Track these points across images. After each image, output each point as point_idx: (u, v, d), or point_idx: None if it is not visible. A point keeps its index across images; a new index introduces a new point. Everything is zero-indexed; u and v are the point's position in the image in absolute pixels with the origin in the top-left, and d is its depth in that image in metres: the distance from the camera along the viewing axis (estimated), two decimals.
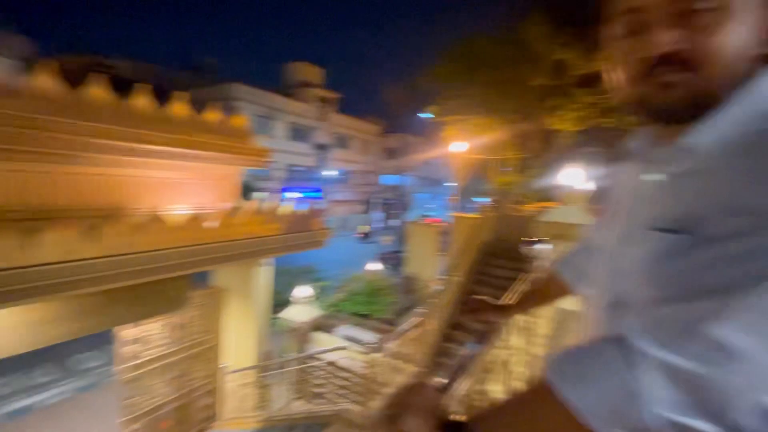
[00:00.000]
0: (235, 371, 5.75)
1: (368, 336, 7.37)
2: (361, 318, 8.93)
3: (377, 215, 27.74)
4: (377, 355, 5.14)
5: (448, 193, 21.01)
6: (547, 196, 12.26)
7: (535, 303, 1.13)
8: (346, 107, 29.33)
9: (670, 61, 0.52)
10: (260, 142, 5.73)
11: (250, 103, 21.87)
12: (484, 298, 1.16)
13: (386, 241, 19.90)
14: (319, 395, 5.98)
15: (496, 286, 6.24)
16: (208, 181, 4.80)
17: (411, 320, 6.65)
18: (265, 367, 5.84)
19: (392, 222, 23.58)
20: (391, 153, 32.74)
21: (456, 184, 18.32)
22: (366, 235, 22.59)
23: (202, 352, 5.59)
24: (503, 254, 7.25)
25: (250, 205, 4.95)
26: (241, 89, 21.50)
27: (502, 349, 2.02)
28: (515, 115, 12.63)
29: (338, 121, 28.33)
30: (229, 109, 18.35)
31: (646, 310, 0.50)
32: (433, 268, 10.68)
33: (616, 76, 0.59)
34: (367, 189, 30.79)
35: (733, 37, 0.50)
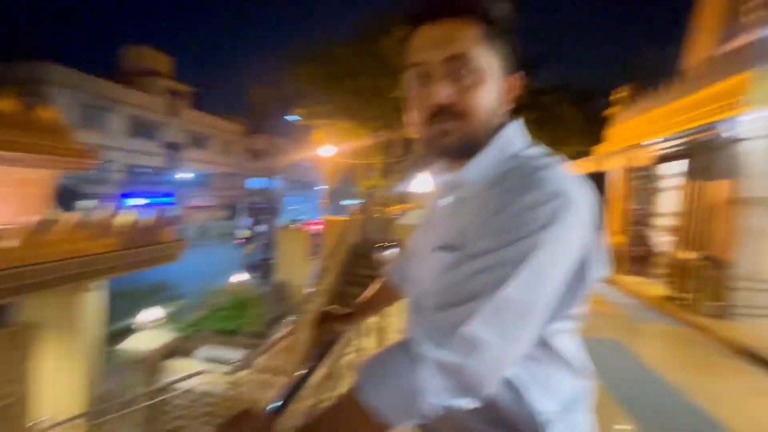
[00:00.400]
0: (55, 425, 4.57)
1: (235, 354, 6.81)
2: (227, 335, 8.20)
3: (244, 221, 25.87)
4: (244, 373, 4.79)
5: (318, 197, 21.00)
6: (406, 199, 13.42)
7: (376, 308, 1.22)
8: (205, 103, 26.59)
9: (446, 111, 0.65)
10: (85, 138, 4.72)
11: (71, 90, 17.75)
12: (329, 308, 1.19)
13: (251, 248, 18.55)
14: (178, 429, 5.25)
15: (364, 286, 6.51)
16: (1, 188, 3.70)
17: (282, 330, 6.42)
18: (100, 412, 4.82)
19: (261, 227, 22.31)
20: (257, 155, 30.99)
21: (326, 187, 18.48)
22: (247, 240, 20.74)
23: (1, 410, 4.28)
24: (369, 255, 7.66)
25: (71, 217, 4.03)
26: (55, 71, 17.24)
27: (354, 352, 2.13)
28: (378, 122, 13.43)
29: (193, 118, 25.38)
30: (40, 96, 14.51)
31: (428, 315, 0.59)
32: (305, 273, 10.54)
33: (410, 118, 0.70)
34: (231, 193, 28.42)
35: (488, 96, 0.65)
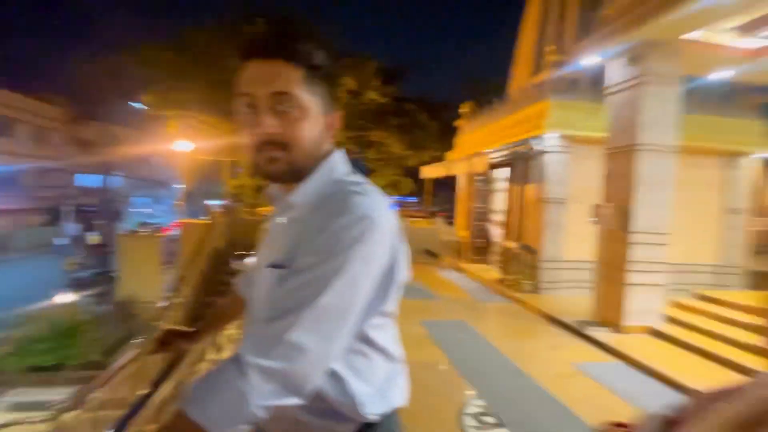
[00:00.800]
0: None
1: (60, 394, 5.53)
2: (47, 372, 6.59)
3: (71, 227, 20.93)
4: (72, 415, 3.95)
5: (174, 197, 18.53)
6: None
7: (228, 320, 1.21)
8: (10, 79, 20.54)
9: (272, 141, 0.72)
10: None
11: None
12: (174, 327, 1.14)
13: (72, 263, 14.94)
14: None
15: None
16: None
17: (127, 354, 5.50)
18: None
19: (94, 234, 18.41)
20: (88, 146, 25.50)
21: (183, 186, 16.42)
22: (97, 248, 16.50)
23: None
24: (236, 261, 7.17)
25: None
26: None
27: (211, 365, 2.02)
28: None
29: None
30: None
31: (257, 327, 0.66)
32: (157, 286, 9.20)
33: (242, 141, 0.75)
34: (51, 193, 22.72)
35: (310, 130, 0.74)
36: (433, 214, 15.31)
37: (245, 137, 0.73)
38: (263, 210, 11.14)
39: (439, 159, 13.18)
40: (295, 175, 0.75)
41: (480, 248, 9.24)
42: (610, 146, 5.04)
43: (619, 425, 0.57)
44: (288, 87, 0.70)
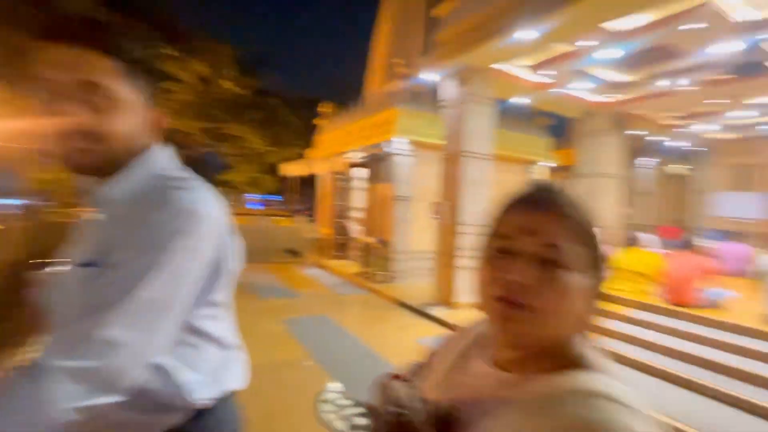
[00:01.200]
0: None
1: None
2: None
3: None
4: None
5: None
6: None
7: (19, 340, 1.04)
8: None
9: (80, 131, 0.67)
10: None
11: None
12: None
13: None
14: None
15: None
16: None
17: None
18: None
19: None
20: None
21: None
22: None
23: None
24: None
25: None
26: None
27: None
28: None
29: None
30: None
31: (63, 329, 0.62)
32: None
33: (45, 129, 0.68)
34: None
35: (126, 124, 0.71)
36: (295, 213, 15.12)
37: (49, 125, 0.67)
38: (82, 210, 9.15)
39: (303, 156, 13.11)
40: (109, 168, 0.72)
41: (341, 244, 9.60)
42: (445, 152, 5.93)
43: (395, 376, 0.65)
44: (99, 78, 0.67)
